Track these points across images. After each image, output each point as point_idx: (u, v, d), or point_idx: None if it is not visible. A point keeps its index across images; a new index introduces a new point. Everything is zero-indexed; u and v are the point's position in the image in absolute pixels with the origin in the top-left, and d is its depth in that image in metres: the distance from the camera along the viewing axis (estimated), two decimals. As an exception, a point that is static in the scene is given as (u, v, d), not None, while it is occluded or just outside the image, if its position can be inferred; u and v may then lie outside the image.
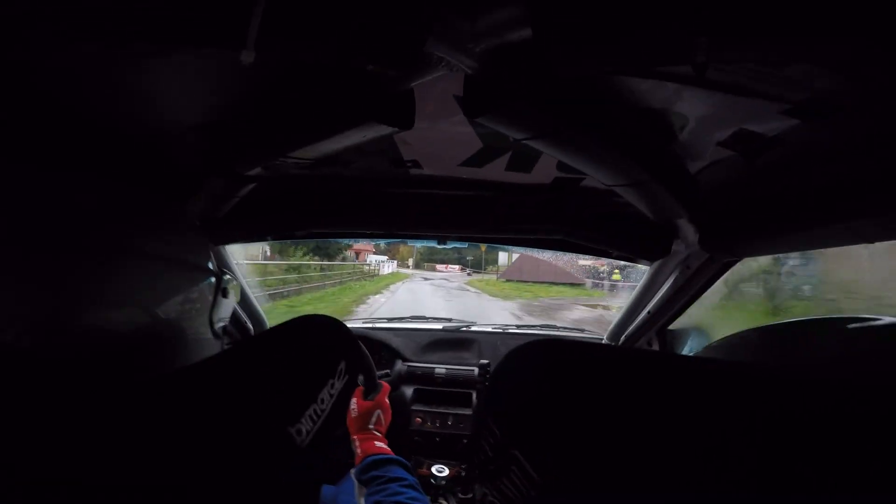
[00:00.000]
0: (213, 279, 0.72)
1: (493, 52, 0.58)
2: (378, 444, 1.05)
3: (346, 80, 0.71)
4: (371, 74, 0.59)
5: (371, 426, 1.10)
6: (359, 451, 1.03)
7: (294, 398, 0.59)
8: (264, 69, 0.61)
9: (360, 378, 1.32)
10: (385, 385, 1.17)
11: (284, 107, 0.80)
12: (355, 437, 1.06)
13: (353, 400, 1.11)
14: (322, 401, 0.62)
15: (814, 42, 0.48)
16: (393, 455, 1.01)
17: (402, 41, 0.53)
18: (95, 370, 0.51)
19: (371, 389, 1.13)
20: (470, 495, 1.49)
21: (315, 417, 0.59)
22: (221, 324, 0.77)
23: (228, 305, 0.80)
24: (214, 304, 0.73)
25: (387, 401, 1.17)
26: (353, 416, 1.09)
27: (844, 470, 0.30)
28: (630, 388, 0.35)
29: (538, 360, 0.40)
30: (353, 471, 0.99)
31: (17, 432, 0.43)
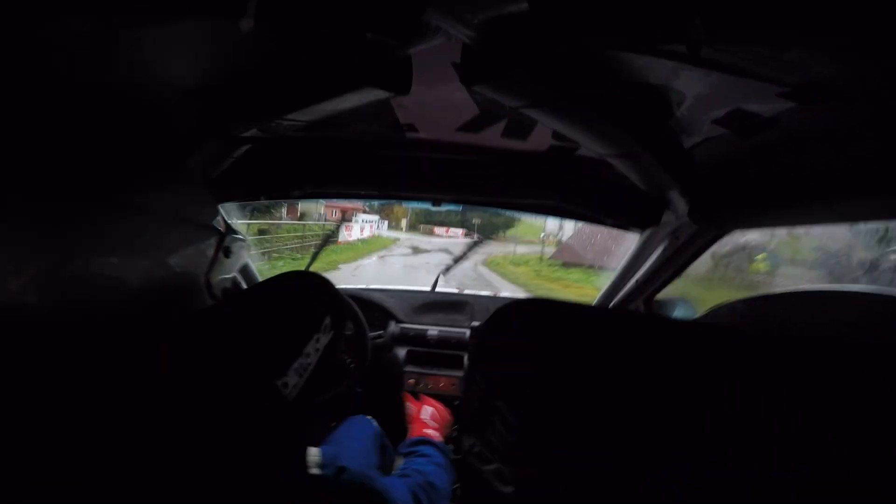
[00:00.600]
0: (216, 237, 0.72)
1: (491, 23, 0.58)
2: (427, 430, 1.28)
3: (344, 44, 0.71)
4: (369, 41, 0.59)
5: (424, 417, 1.35)
6: (410, 433, 1.29)
7: (279, 351, 0.60)
8: (262, 34, 0.61)
9: (349, 325, 1.44)
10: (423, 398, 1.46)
11: (281, 69, 0.79)
12: (414, 429, 1.31)
13: (408, 405, 1.43)
14: (308, 354, 0.63)
15: (811, 30, 0.48)
16: (431, 438, 1.22)
17: (401, 10, 0.53)
18: (91, 324, 0.53)
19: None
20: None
21: (301, 371, 0.60)
22: (224, 283, 0.78)
23: (231, 265, 0.81)
24: (214, 263, 0.73)
25: (436, 403, 1.44)
26: (412, 414, 1.39)
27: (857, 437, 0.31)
28: (612, 347, 0.36)
29: (526, 316, 0.42)
30: (399, 445, 1.22)
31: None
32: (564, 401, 0.34)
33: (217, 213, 0.71)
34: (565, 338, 0.38)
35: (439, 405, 1.43)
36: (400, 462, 1.12)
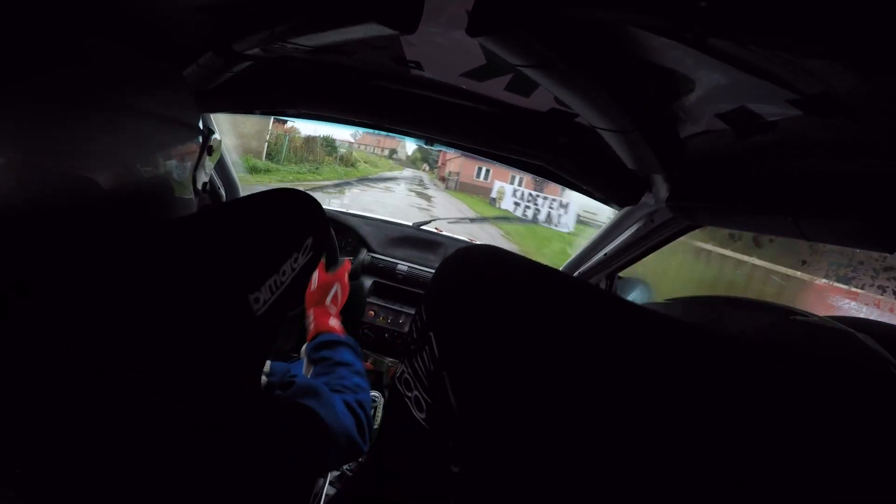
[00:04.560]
0: (199, 137, 0.72)
1: None
2: (332, 321, 1.08)
3: None
4: None
5: (328, 301, 1.13)
6: (311, 326, 1.07)
7: (257, 266, 0.60)
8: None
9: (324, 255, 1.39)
10: (346, 261, 1.21)
11: None
12: (311, 310, 1.10)
13: (315, 272, 1.14)
14: (284, 273, 0.63)
15: (839, 42, 0.47)
16: (344, 337, 1.06)
17: None
18: (81, 220, 0.53)
19: (332, 264, 1.17)
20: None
21: (274, 288, 0.61)
22: (203, 181, 0.79)
23: (211, 165, 0.81)
24: (199, 162, 0.73)
25: (346, 278, 1.21)
26: (311, 288, 1.15)
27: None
28: (551, 312, 0.35)
29: (481, 260, 0.42)
30: (304, 347, 1.03)
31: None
32: (487, 345, 0.34)
33: (198, 116, 0.71)
34: (505, 289, 0.38)
35: (345, 282, 1.20)
36: (310, 369, 0.98)
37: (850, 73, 0.54)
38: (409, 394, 0.40)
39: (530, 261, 0.43)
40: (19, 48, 0.49)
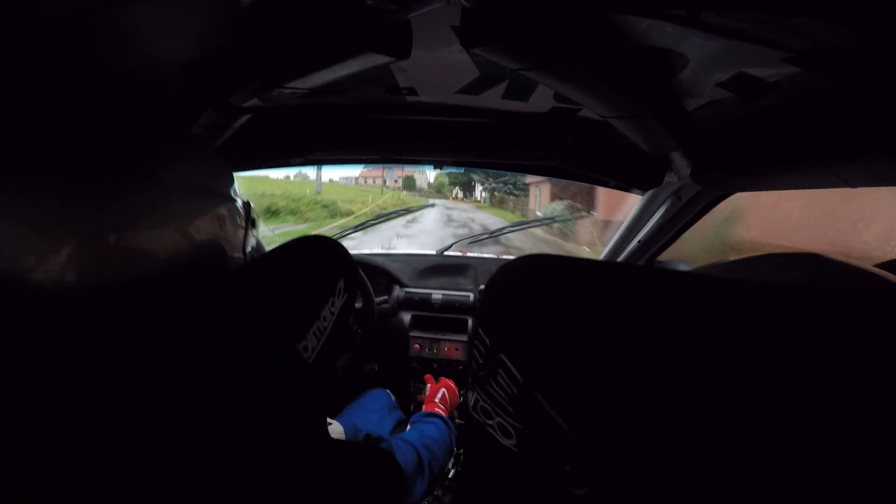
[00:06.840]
0: (240, 207, 0.72)
1: None
2: (437, 409, 1.37)
3: (343, 11, 0.69)
4: (369, 8, 0.58)
5: (437, 400, 1.45)
6: (424, 409, 1.38)
7: (298, 316, 0.60)
8: (258, 4, 0.59)
9: (359, 294, 1.45)
10: (443, 379, 1.58)
11: (280, 38, 0.78)
12: (425, 407, 1.41)
13: (428, 386, 1.54)
14: (324, 318, 0.64)
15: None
16: (443, 415, 1.32)
17: None
18: (133, 297, 0.53)
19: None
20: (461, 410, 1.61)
21: (319, 334, 0.61)
22: (252, 246, 0.79)
23: (255, 236, 0.81)
24: (246, 234, 0.74)
25: (451, 384, 1.54)
26: (426, 394, 1.50)
27: None
28: (617, 298, 0.34)
29: (529, 270, 0.41)
30: (412, 418, 1.31)
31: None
32: (566, 353, 0.33)
33: (232, 181, 0.71)
34: (565, 291, 0.36)
35: (453, 388, 1.53)
36: (408, 428, 1.25)
37: (834, 25, 0.53)
38: (490, 421, 0.38)
39: (578, 259, 0.41)
40: (62, 124, 0.49)
